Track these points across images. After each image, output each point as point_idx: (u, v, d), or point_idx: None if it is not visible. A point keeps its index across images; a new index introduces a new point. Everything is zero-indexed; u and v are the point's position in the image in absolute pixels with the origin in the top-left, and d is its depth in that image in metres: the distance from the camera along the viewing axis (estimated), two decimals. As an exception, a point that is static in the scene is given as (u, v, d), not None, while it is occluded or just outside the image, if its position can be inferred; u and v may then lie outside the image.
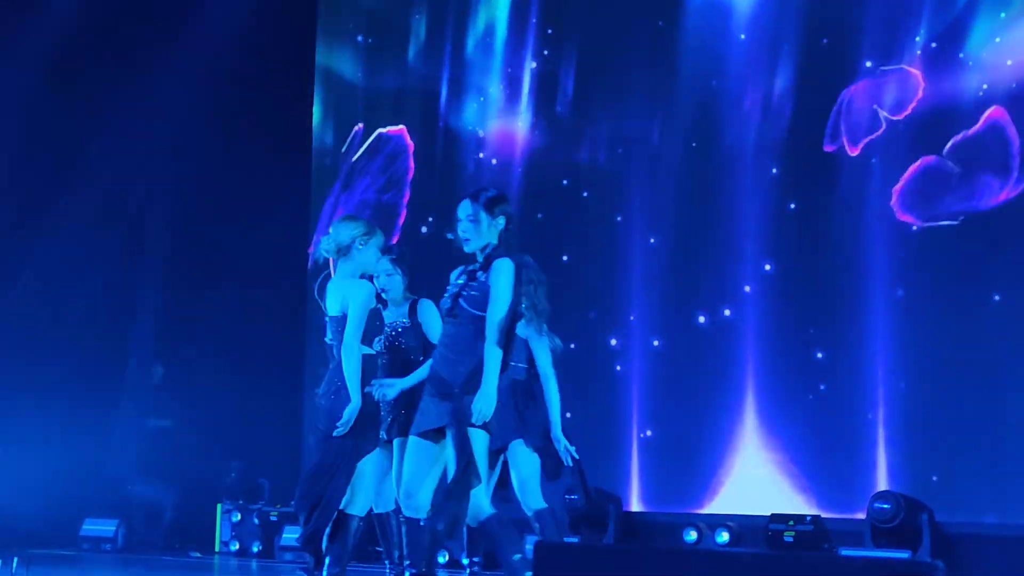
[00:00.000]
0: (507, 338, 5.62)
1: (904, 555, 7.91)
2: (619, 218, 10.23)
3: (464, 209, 5.72)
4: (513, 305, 5.63)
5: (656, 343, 9.96)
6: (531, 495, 6.70)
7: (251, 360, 10.75)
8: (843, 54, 9.40)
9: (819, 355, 9.29)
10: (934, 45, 9.02)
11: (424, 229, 10.95)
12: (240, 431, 10.70)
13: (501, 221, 5.73)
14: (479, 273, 5.70)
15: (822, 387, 9.23)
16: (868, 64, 9.27)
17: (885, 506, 8.29)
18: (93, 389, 10.60)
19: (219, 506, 10.33)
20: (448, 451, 5.58)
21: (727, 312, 9.66)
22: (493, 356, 5.55)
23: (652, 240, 10.08)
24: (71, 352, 10.48)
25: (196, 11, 10.89)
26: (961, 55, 8.93)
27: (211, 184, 10.99)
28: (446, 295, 5.80)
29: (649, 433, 9.87)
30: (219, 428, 10.68)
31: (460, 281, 5.77)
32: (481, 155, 10.99)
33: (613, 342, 10.12)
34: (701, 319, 9.79)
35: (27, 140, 10.48)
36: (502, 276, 5.61)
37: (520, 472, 6.70)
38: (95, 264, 10.61)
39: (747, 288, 9.60)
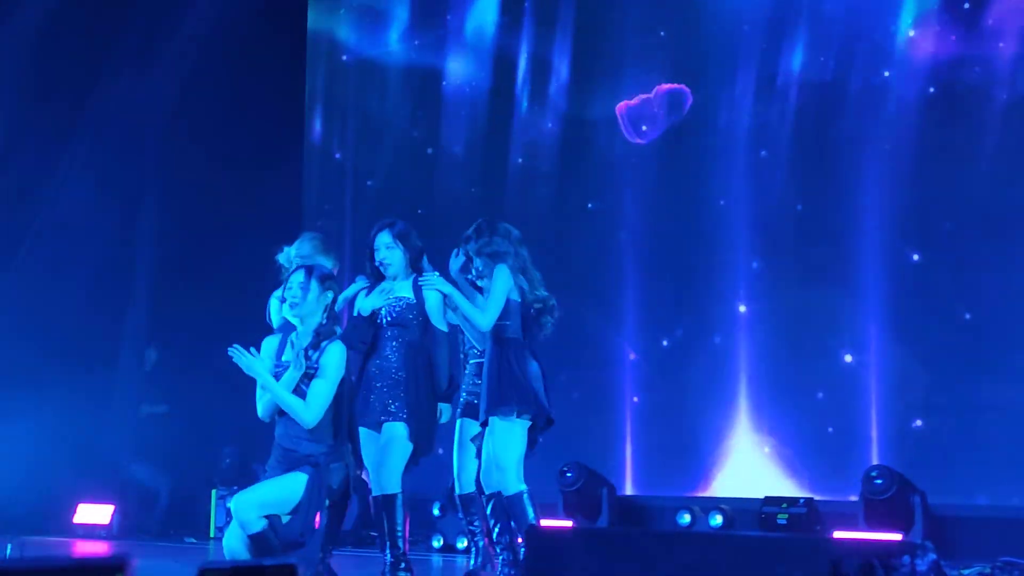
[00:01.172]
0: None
1: (896, 536, 7.93)
2: (590, 205, 10.27)
3: (297, 277, 6.06)
4: (337, 386, 5.99)
5: (632, 356, 9.98)
6: (486, 475, 6.48)
7: (244, 343, 10.72)
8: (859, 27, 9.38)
9: (813, 340, 9.33)
10: None
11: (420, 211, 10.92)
12: (234, 416, 10.68)
13: (328, 296, 6.13)
14: (310, 351, 6.01)
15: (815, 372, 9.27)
16: (911, 34, 9.23)
17: (879, 481, 8.32)
18: (87, 375, 10.59)
19: (213, 492, 10.33)
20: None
21: (715, 330, 9.72)
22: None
23: (626, 234, 10.11)
24: (64, 337, 10.46)
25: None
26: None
27: (204, 169, 10.98)
28: (281, 375, 6.00)
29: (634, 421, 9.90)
30: (213, 413, 10.67)
31: (290, 358, 6.02)
32: (455, 144, 10.98)
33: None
34: (677, 334, 9.83)
35: (19, 116, 10.46)
36: (333, 359, 5.96)
37: (486, 450, 6.50)
38: (88, 249, 10.59)
39: (741, 309, 9.63)
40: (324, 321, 6.08)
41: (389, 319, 6.58)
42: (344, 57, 11.80)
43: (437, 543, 9.31)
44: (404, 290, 6.61)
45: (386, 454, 6.47)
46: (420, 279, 6.53)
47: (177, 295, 10.87)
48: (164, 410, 10.92)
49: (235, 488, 10.27)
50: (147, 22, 10.92)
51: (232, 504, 6.00)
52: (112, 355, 10.87)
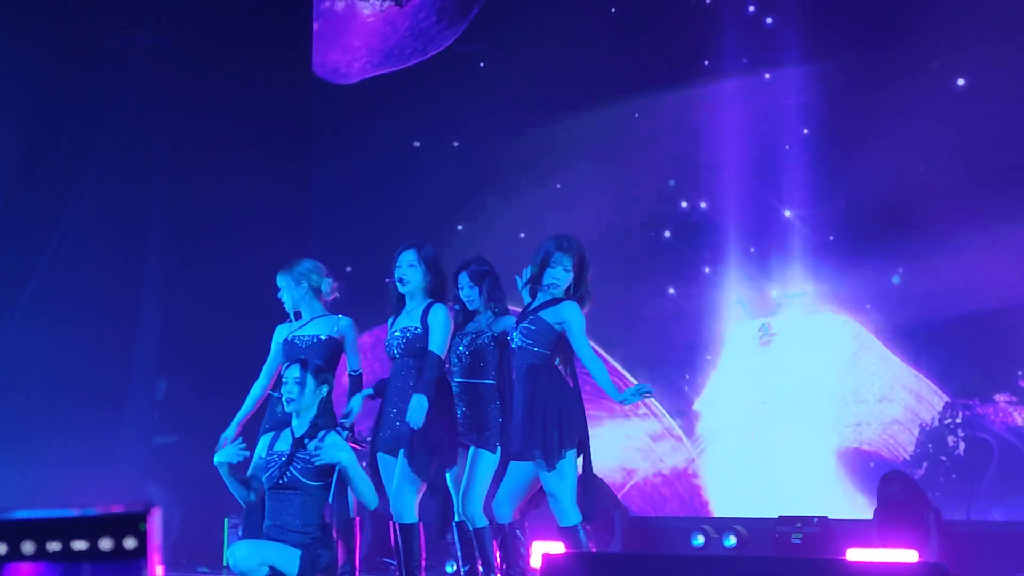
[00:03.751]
0: None
1: (911, 555, 7.91)
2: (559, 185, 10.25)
3: (292, 372, 6.26)
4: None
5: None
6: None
7: (254, 372, 10.72)
8: None
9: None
10: None
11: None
12: (247, 443, 10.65)
13: (324, 390, 6.35)
14: (307, 441, 6.20)
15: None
16: None
17: (894, 486, 8.32)
18: (97, 406, 10.58)
19: (226, 520, 10.29)
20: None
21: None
22: None
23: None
24: (73, 370, 10.46)
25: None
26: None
27: (211, 200, 10.98)
28: (273, 465, 6.25)
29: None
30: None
31: (285, 448, 6.25)
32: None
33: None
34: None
35: (26, 153, 10.50)
36: (341, 448, 6.22)
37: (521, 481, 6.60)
38: (95, 282, 10.60)
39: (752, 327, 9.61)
40: (320, 413, 6.34)
41: (399, 350, 6.60)
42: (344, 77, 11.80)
43: (451, 568, 9.29)
44: (414, 320, 6.63)
45: (400, 483, 6.49)
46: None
47: (186, 324, 10.86)
48: (175, 439, 10.91)
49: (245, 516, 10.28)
50: (148, 52, 11.00)
51: (230, 555, 6.11)
52: (122, 386, 10.86)
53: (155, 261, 11.07)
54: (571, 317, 6.24)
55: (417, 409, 6.29)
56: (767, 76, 9.62)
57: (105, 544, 1.93)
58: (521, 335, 6.32)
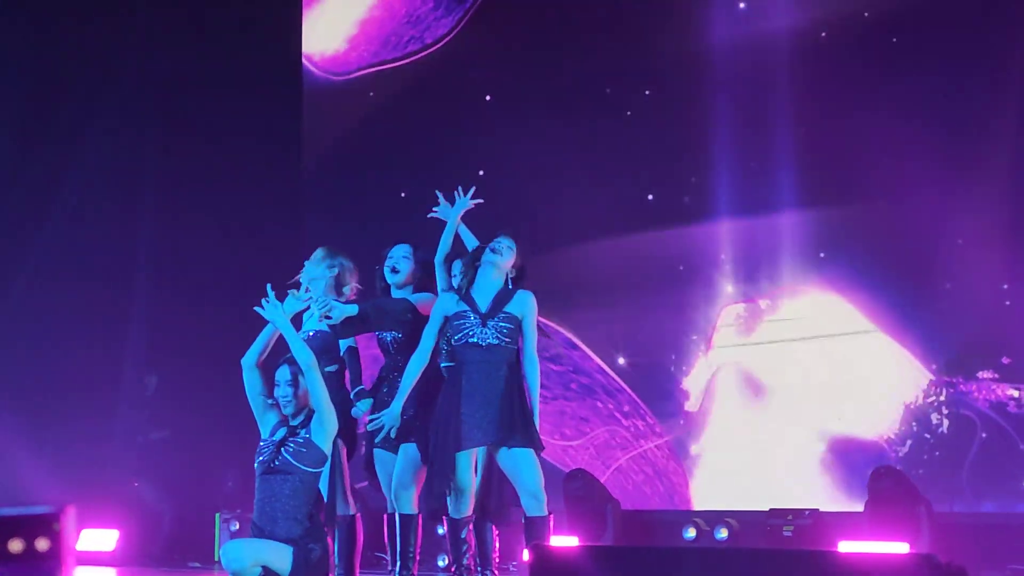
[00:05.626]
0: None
1: (902, 547, 7.93)
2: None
3: (283, 375, 6.25)
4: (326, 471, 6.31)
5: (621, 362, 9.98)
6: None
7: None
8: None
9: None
10: None
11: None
12: (237, 438, 10.65)
13: None
14: (301, 430, 6.19)
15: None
16: None
17: (885, 480, 8.33)
18: (87, 400, 10.58)
19: (217, 516, 10.29)
20: None
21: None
22: None
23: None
24: (63, 365, 10.45)
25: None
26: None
27: (201, 194, 10.96)
28: (267, 450, 6.22)
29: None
30: (215, 437, 10.64)
31: (278, 437, 6.23)
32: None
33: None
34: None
35: (17, 143, 10.50)
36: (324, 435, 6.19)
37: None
38: (84, 277, 10.59)
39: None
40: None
41: (396, 344, 6.60)
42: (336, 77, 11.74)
43: (442, 562, 9.29)
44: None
45: (402, 475, 6.48)
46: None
47: (176, 320, 10.85)
48: (165, 434, 10.91)
49: (239, 511, 10.28)
50: (138, 54, 10.98)
51: (222, 555, 6.11)
52: (113, 382, 10.85)
53: (145, 255, 11.06)
54: (532, 310, 6.34)
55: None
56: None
57: (15, 546, 1.83)
58: (498, 333, 6.28)
